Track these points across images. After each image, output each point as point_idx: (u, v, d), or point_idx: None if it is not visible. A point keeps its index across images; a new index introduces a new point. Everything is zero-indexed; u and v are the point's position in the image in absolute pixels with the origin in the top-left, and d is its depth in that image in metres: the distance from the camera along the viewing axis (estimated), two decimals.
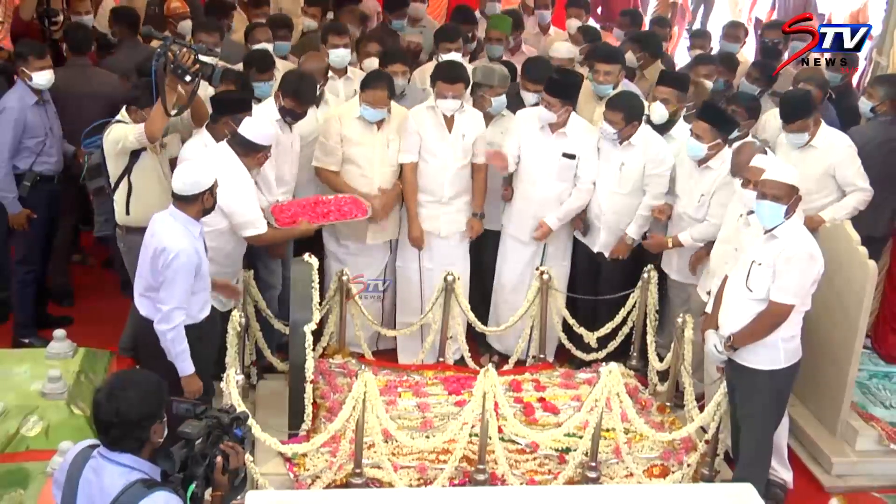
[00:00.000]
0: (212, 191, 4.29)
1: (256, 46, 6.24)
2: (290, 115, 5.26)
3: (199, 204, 4.26)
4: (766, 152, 4.86)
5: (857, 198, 5.29)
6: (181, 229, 4.23)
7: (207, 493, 2.97)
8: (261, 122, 4.95)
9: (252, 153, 4.81)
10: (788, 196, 4.20)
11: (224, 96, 5.09)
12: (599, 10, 11.36)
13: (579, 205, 5.61)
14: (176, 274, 4.19)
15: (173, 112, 4.90)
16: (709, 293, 4.86)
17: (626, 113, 5.34)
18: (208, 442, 2.94)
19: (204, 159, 4.69)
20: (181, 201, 4.24)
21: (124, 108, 5.20)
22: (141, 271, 4.37)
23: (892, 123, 5.76)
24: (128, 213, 5.16)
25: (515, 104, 5.91)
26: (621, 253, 5.59)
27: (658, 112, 5.54)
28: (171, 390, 3.57)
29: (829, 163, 5.29)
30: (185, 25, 6.97)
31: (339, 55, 6.16)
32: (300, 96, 5.21)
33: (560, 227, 5.69)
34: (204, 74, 4.96)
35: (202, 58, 4.89)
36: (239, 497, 3.94)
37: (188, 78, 4.80)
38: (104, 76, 6.20)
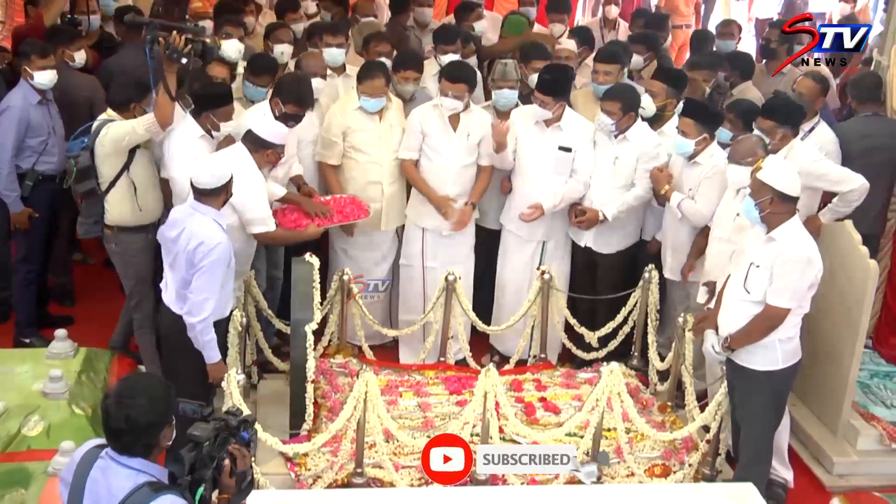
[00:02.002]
0: (231, 181, 4.39)
1: (278, 47, 6.22)
2: (292, 119, 5.25)
3: (224, 195, 4.37)
4: (766, 149, 4.82)
5: (844, 197, 5.13)
6: (212, 223, 4.32)
7: (214, 496, 2.97)
8: (276, 122, 4.96)
9: (261, 150, 4.83)
10: (759, 192, 4.21)
11: (203, 91, 5.06)
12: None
13: (575, 195, 5.60)
14: (213, 266, 4.29)
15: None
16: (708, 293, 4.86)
17: (623, 103, 5.35)
18: (216, 444, 2.94)
19: (220, 154, 4.79)
20: (206, 195, 4.32)
21: (109, 108, 5.20)
22: (176, 268, 4.41)
23: (873, 119, 5.77)
24: (130, 211, 5.17)
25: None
26: (586, 223, 5.54)
27: (646, 105, 5.55)
28: (193, 388, 3.56)
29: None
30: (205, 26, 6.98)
31: (332, 54, 6.14)
32: (301, 100, 5.22)
33: (558, 220, 5.69)
34: (196, 53, 4.97)
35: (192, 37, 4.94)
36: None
37: (184, 60, 4.85)
38: (83, 79, 6.14)
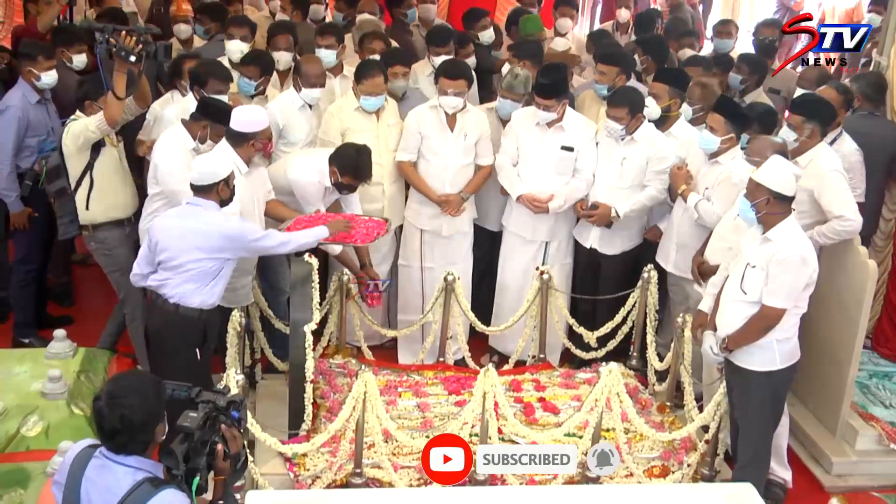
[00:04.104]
0: (227, 182, 4.38)
1: (276, 54, 6.18)
2: (347, 189, 5.23)
3: (215, 194, 4.36)
4: (785, 153, 4.75)
5: (834, 226, 4.93)
6: (218, 210, 4.38)
7: (210, 477, 2.97)
8: (249, 109, 4.91)
9: (243, 143, 4.80)
10: (754, 194, 4.21)
11: (212, 102, 5.07)
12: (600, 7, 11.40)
13: (578, 195, 5.59)
14: (242, 233, 4.43)
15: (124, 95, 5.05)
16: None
17: (630, 106, 5.35)
18: (206, 427, 2.93)
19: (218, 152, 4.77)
20: (199, 192, 4.36)
21: (78, 109, 5.28)
22: (180, 261, 4.38)
23: (869, 118, 5.78)
24: (87, 208, 5.21)
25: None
26: (598, 220, 5.52)
27: (651, 109, 5.51)
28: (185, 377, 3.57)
29: (808, 185, 4.93)
30: (181, 29, 6.98)
31: (322, 56, 6.14)
32: (358, 174, 5.17)
33: (561, 220, 5.69)
34: (148, 53, 5.07)
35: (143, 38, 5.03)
36: (240, 481, 3.97)
37: (132, 58, 4.94)
38: (72, 77, 6.12)
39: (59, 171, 5.24)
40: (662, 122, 5.63)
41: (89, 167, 5.20)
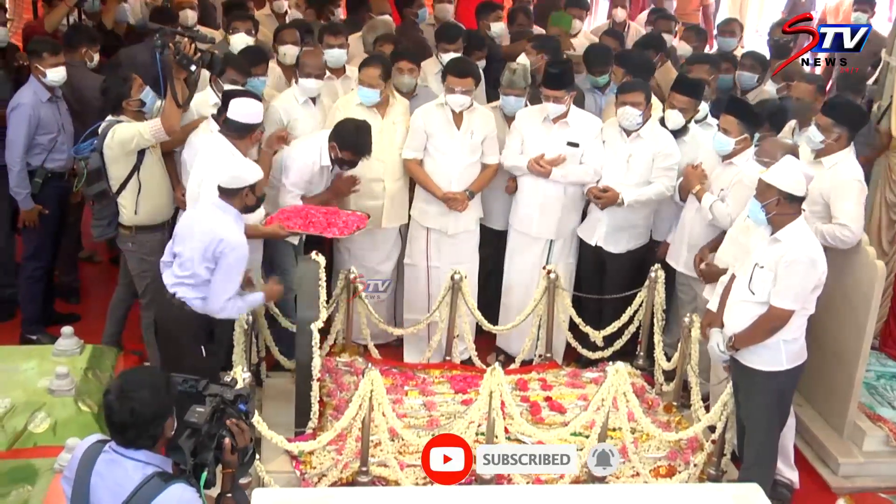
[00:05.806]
0: (253, 189, 4.40)
1: (282, 48, 6.21)
2: (347, 164, 5.28)
3: (240, 200, 4.38)
4: (796, 153, 4.73)
5: (836, 233, 4.91)
6: (233, 223, 4.35)
7: (218, 470, 2.97)
8: (247, 101, 4.88)
9: (247, 135, 4.81)
10: (764, 195, 4.20)
11: (232, 91, 5.07)
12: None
13: (585, 178, 5.57)
14: (232, 267, 4.34)
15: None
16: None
17: (645, 92, 5.40)
18: (213, 421, 2.93)
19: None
20: (225, 195, 4.37)
21: (113, 110, 5.20)
22: (185, 258, 4.39)
23: None
24: (136, 212, 5.18)
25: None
26: (604, 202, 5.49)
27: (674, 119, 5.49)
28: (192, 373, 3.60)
29: (826, 188, 4.96)
30: (187, 15, 6.98)
31: (334, 55, 6.14)
32: (358, 149, 5.20)
33: (567, 219, 5.69)
34: (204, 62, 5.02)
35: (202, 46, 5.00)
36: (247, 478, 3.97)
37: (193, 67, 4.88)
38: (95, 79, 6.03)
39: (99, 173, 5.16)
40: (680, 130, 5.58)
41: (136, 170, 5.14)
